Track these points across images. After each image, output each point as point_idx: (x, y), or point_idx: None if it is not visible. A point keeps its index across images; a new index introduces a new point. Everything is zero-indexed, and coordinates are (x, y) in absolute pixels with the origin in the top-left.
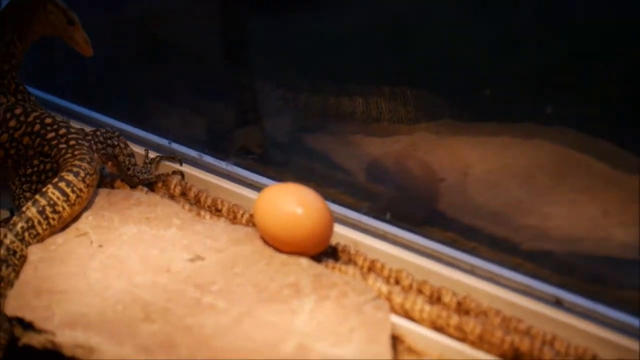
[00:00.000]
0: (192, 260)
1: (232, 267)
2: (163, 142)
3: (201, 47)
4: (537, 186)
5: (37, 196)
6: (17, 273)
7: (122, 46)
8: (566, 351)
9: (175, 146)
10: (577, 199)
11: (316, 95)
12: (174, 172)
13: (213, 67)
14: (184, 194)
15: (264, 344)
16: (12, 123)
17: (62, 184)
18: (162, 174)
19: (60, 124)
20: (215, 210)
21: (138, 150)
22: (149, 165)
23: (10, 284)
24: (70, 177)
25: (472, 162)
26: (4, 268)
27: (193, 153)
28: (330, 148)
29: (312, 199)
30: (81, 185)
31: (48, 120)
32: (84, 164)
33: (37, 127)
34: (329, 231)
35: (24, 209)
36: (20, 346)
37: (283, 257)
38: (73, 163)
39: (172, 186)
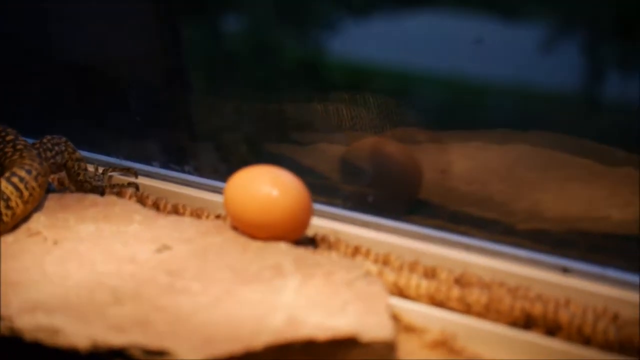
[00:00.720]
0: (159, 250)
1: (204, 255)
2: (115, 160)
3: (141, 73)
4: (521, 179)
5: None
6: None
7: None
8: (583, 313)
9: (129, 163)
10: (565, 187)
11: (272, 105)
12: (129, 184)
13: (159, 91)
14: (140, 202)
15: (249, 318)
16: None
17: (15, 179)
18: (117, 184)
19: (9, 131)
20: (177, 215)
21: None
22: (101, 175)
23: None
24: (23, 173)
25: (448, 161)
26: None
27: (148, 167)
28: (297, 154)
29: (288, 180)
30: (34, 184)
31: None
32: (35, 164)
33: None
34: (308, 213)
35: None
36: None
37: (259, 243)
38: (23, 162)
39: (126, 197)
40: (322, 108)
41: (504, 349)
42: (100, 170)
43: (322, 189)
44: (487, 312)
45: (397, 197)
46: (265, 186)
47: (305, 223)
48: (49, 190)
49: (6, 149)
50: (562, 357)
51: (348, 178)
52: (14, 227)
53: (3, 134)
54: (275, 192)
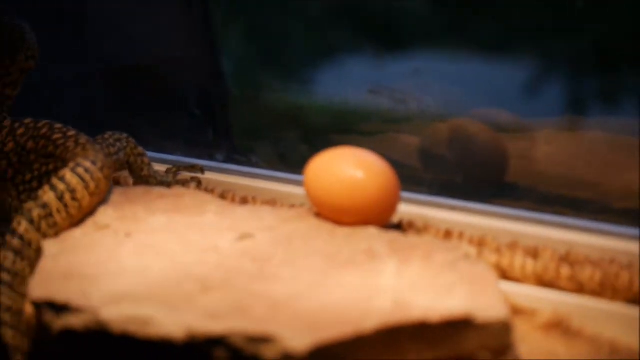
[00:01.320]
0: (240, 239)
1: (289, 242)
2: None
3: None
4: (609, 162)
5: (53, 180)
6: (32, 269)
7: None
8: None
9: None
10: None
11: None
12: (192, 179)
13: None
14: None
15: (352, 302)
16: (20, 131)
17: (80, 170)
18: (181, 179)
19: (71, 128)
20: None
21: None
22: (166, 174)
23: (24, 281)
24: (88, 164)
25: (525, 147)
26: (18, 260)
27: (211, 163)
28: (364, 145)
29: (373, 161)
30: (99, 175)
31: (58, 125)
32: (100, 155)
33: (44, 130)
34: (396, 196)
35: (39, 193)
36: (55, 334)
37: (346, 229)
38: (87, 154)
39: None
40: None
41: (624, 329)
42: (164, 169)
43: (402, 177)
44: (602, 290)
45: (484, 180)
46: (350, 168)
47: (393, 206)
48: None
49: (68, 144)
50: None
51: (430, 165)
52: (80, 220)
53: (64, 129)
54: (361, 174)
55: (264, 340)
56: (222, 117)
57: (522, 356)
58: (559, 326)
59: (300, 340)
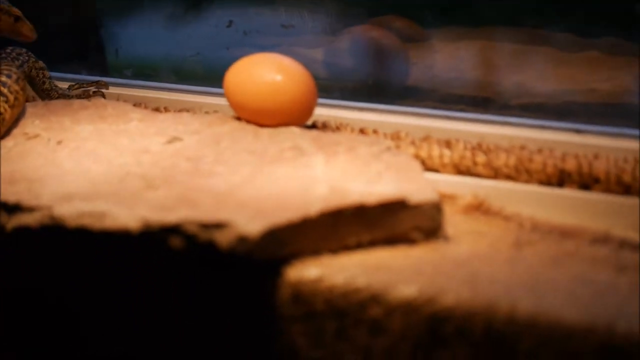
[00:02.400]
0: (169, 142)
1: (217, 143)
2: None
3: None
4: (498, 66)
5: None
6: None
7: None
8: (616, 163)
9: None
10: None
11: None
12: (95, 92)
13: None
14: None
15: (291, 191)
16: None
17: None
18: (82, 93)
19: None
20: None
21: None
22: (67, 89)
23: None
24: (4, 78)
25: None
26: None
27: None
28: None
29: (291, 65)
30: (16, 87)
31: None
32: (14, 68)
33: None
34: (314, 98)
35: None
36: (9, 231)
37: (269, 129)
38: (1, 69)
39: None
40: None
41: (540, 207)
42: (67, 85)
43: None
44: (517, 174)
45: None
46: (269, 72)
47: (311, 108)
48: None
49: None
50: (601, 209)
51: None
52: (7, 133)
53: None
54: (279, 77)
55: (217, 226)
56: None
57: (449, 237)
58: (480, 208)
59: (252, 226)
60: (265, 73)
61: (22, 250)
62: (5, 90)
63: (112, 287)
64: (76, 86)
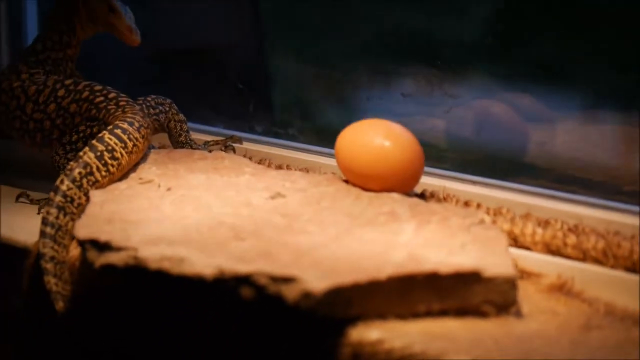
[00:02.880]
0: (272, 197)
1: (318, 202)
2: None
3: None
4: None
5: (93, 141)
6: (74, 223)
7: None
8: None
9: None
10: None
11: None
12: (227, 147)
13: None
14: None
15: (370, 254)
16: (61, 92)
17: (118, 131)
18: (216, 147)
19: (110, 89)
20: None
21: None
22: (204, 145)
23: (67, 235)
24: (125, 125)
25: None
26: (61, 216)
27: (250, 135)
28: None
29: (400, 132)
30: (137, 135)
31: (97, 87)
32: (138, 117)
33: (86, 94)
34: (420, 166)
35: (80, 154)
36: (97, 268)
37: (371, 193)
38: (126, 116)
39: None
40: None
41: (622, 293)
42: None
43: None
44: (604, 258)
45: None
46: (378, 137)
47: (417, 176)
48: (150, 149)
49: (109, 106)
50: None
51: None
52: (124, 176)
53: (105, 91)
54: (387, 143)
55: (286, 280)
56: (264, 93)
57: (523, 313)
58: (562, 288)
59: (318, 283)
60: (374, 138)
61: (106, 285)
62: (125, 137)
63: (185, 327)
64: (212, 142)
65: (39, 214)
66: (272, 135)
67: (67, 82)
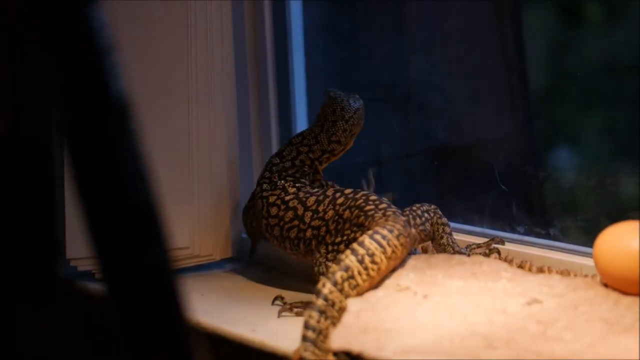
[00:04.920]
0: (529, 303)
1: (575, 308)
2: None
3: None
4: None
5: (354, 245)
6: (335, 326)
7: None
8: None
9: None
10: None
11: None
12: (491, 250)
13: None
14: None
15: None
16: (340, 200)
17: (377, 236)
18: (479, 251)
19: (384, 200)
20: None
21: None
22: (466, 248)
23: (327, 339)
24: (385, 232)
25: None
26: (322, 319)
27: (512, 235)
28: None
29: None
30: (396, 242)
31: (373, 197)
32: (398, 225)
33: (360, 201)
34: None
35: (341, 256)
36: None
37: (631, 298)
38: (386, 223)
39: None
40: None
41: None
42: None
43: None
44: None
45: None
46: (636, 241)
47: None
48: (412, 254)
49: (376, 215)
50: None
51: None
52: (381, 282)
53: (377, 201)
54: None
55: None
56: (535, 195)
57: None
58: None
59: None
60: (632, 242)
61: None
62: (384, 243)
63: None
64: (473, 246)
65: (272, 304)
66: (534, 235)
67: (347, 190)
